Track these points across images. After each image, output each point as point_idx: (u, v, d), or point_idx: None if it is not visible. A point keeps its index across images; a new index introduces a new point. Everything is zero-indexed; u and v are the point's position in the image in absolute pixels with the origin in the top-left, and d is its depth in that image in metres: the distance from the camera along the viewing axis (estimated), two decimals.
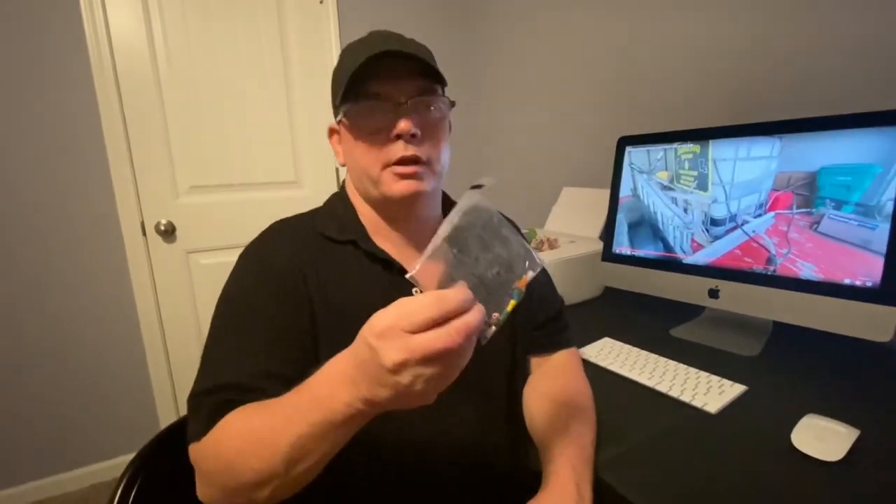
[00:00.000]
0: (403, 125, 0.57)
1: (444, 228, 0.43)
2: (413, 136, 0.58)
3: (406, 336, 0.35)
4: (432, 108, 0.61)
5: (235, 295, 0.59)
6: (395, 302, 0.38)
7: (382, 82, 0.58)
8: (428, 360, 0.35)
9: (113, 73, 1.61)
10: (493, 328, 0.42)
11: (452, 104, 0.64)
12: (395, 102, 0.58)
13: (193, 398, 0.53)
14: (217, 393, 0.51)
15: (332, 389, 0.40)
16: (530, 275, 0.44)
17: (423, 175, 0.61)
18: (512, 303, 0.43)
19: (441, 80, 0.61)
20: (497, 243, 0.44)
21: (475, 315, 0.37)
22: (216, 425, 0.48)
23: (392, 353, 0.35)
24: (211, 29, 1.74)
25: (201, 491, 0.49)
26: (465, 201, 0.45)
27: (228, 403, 0.49)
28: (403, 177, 0.60)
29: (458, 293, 0.37)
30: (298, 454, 0.42)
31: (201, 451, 0.49)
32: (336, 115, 0.64)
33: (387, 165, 0.60)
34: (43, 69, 1.52)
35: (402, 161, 0.59)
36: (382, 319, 0.37)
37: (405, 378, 0.36)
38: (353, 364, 0.39)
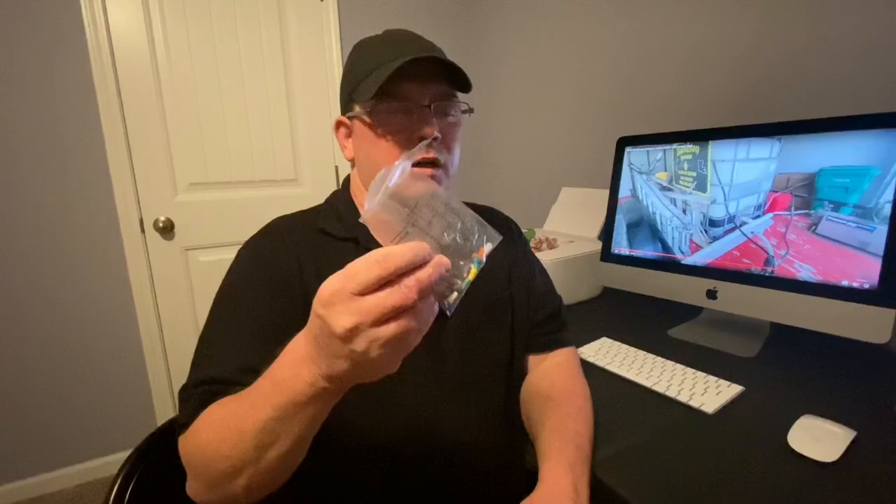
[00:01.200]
0: (428, 130, 0.59)
1: (385, 178, 0.41)
2: (435, 139, 0.59)
3: (354, 299, 0.33)
4: (452, 112, 0.63)
5: (229, 290, 0.60)
6: (339, 272, 0.35)
7: (409, 83, 0.58)
8: (380, 320, 0.33)
9: (112, 69, 1.61)
10: (457, 294, 0.39)
11: (470, 110, 0.65)
12: (419, 104, 0.59)
13: (183, 391, 0.54)
14: (203, 386, 0.52)
15: (293, 369, 0.39)
16: (488, 246, 0.42)
17: (439, 178, 0.62)
18: (473, 271, 0.40)
19: (465, 87, 0.62)
20: (449, 213, 0.42)
21: (428, 270, 0.34)
22: (195, 419, 0.49)
23: (341, 318, 0.33)
24: (211, 26, 1.74)
25: (188, 485, 0.49)
26: (402, 161, 0.44)
27: (213, 396, 0.49)
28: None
29: (407, 248, 0.34)
30: (268, 438, 0.41)
31: (184, 443, 0.49)
32: (347, 110, 0.64)
33: None
34: (42, 66, 1.52)
35: (423, 163, 0.60)
36: (328, 285, 0.34)
37: (359, 345, 0.33)
38: (309, 340, 0.37)
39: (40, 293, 1.62)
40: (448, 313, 0.39)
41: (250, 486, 0.44)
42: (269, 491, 0.46)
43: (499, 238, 0.42)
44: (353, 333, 0.33)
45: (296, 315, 0.57)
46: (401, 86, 0.58)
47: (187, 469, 0.49)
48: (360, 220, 0.40)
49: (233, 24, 1.77)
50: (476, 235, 0.42)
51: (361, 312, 0.32)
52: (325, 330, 0.34)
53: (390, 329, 0.33)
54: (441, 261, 0.35)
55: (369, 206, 0.39)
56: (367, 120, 0.61)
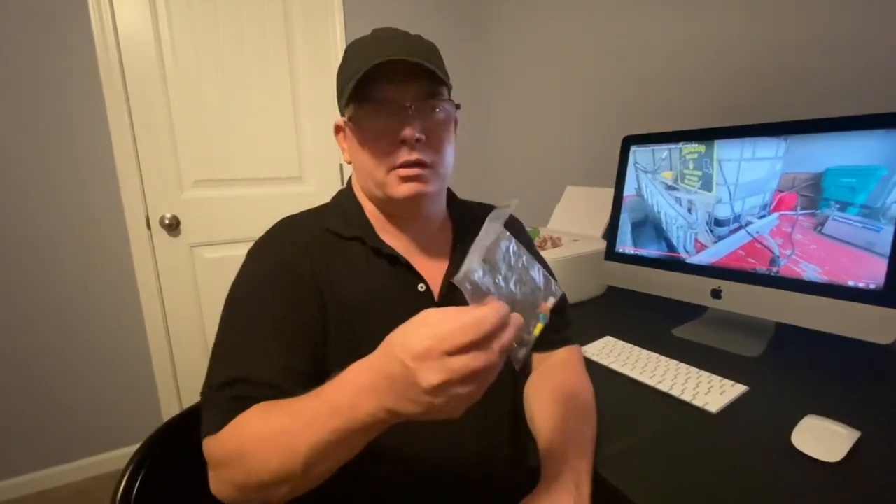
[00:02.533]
0: (408, 132, 0.58)
1: (482, 240, 0.43)
2: (418, 140, 0.59)
3: (445, 358, 0.35)
4: (437, 110, 0.62)
5: (248, 289, 0.60)
6: (424, 317, 0.38)
7: (387, 85, 0.58)
8: (466, 381, 0.35)
9: (119, 66, 1.62)
10: (525, 350, 0.42)
11: (457, 107, 0.65)
12: (399, 106, 0.58)
13: (208, 391, 0.54)
14: (232, 386, 0.52)
15: (355, 399, 0.40)
16: (552, 301, 0.44)
17: (427, 177, 0.61)
18: (539, 326, 0.43)
19: (447, 83, 0.61)
20: (521, 268, 0.44)
21: (510, 332, 0.37)
22: (233, 421, 0.49)
23: (431, 375, 0.35)
24: (217, 24, 1.74)
25: (215, 485, 0.49)
26: (495, 223, 0.44)
27: (245, 399, 0.50)
28: (407, 179, 0.60)
29: (495, 312, 0.36)
30: (317, 458, 0.42)
31: (217, 446, 0.49)
32: (342, 113, 0.64)
33: (391, 169, 0.60)
34: (50, 63, 1.53)
35: (406, 164, 0.60)
36: (419, 340, 0.36)
37: (441, 399, 0.36)
38: (380, 377, 0.39)
39: (47, 290, 1.63)
40: (517, 367, 0.42)
41: (290, 494, 0.45)
42: (305, 492, 0.47)
43: (560, 293, 0.45)
44: (438, 390, 0.35)
45: (312, 314, 0.58)
46: (380, 88, 0.58)
47: (216, 470, 0.49)
48: (453, 281, 0.42)
49: (239, 22, 1.77)
50: (542, 290, 0.45)
51: (451, 371, 0.35)
52: (410, 380, 0.36)
53: (471, 388, 0.36)
54: (518, 321, 0.38)
55: (464, 269, 0.41)
56: (352, 125, 0.62)
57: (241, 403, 0.49)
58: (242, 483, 0.46)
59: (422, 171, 0.60)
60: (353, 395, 0.40)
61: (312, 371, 0.56)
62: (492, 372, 0.37)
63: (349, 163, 0.68)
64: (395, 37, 0.61)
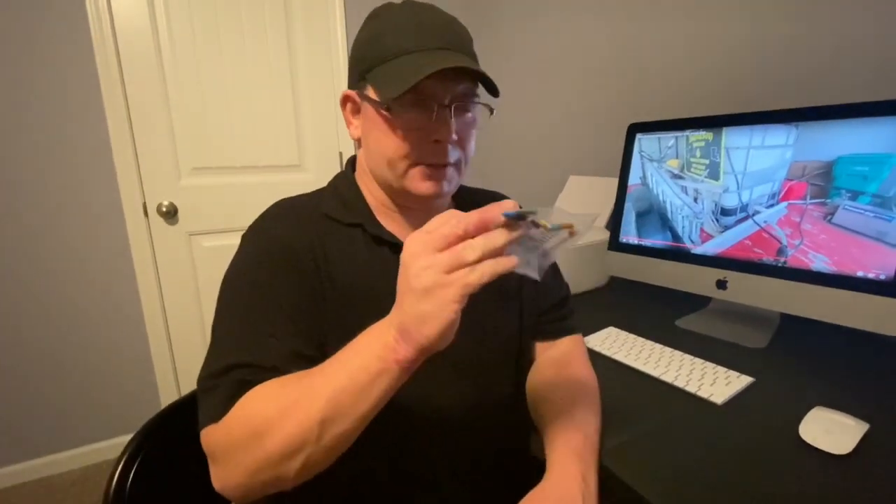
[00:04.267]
0: (445, 132, 0.56)
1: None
2: (451, 141, 0.57)
3: (435, 253, 0.39)
4: (471, 112, 0.60)
5: (246, 272, 0.57)
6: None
7: (432, 80, 0.53)
8: (453, 263, 0.38)
9: (115, 53, 1.59)
10: (540, 258, 0.42)
11: (491, 111, 0.62)
12: (440, 103, 0.56)
13: (207, 379, 0.51)
14: (234, 371, 0.49)
15: (367, 336, 0.43)
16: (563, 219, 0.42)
17: (450, 176, 0.60)
18: (545, 226, 0.41)
19: (493, 92, 0.58)
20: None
21: (501, 234, 0.39)
22: (237, 403, 0.47)
23: (414, 245, 0.40)
24: (215, 10, 1.71)
25: (219, 476, 0.47)
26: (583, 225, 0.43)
27: (247, 383, 0.48)
28: (431, 176, 0.59)
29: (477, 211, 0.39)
30: (334, 412, 0.42)
31: (222, 433, 0.47)
32: (357, 86, 0.60)
33: (417, 163, 0.58)
34: (45, 50, 1.50)
35: (435, 164, 0.58)
36: (413, 243, 0.40)
37: (426, 278, 0.38)
38: (395, 310, 0.42)
39: (44, 278, 1.62)
40: (538, 277, 0.42)
41: (305, 467, 0.44)
42: (318, 471, 0.45)
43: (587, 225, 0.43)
44: (424, 271, 0.38)
45: (312, 297, 0.57)
46: (425, 81, 0.53)
47: (219, 459, 0.47)
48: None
49: (236, 7, 1.74)
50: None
51: (436, 246, 0.39)
52: (406, 277, 0.40)
53: (450, 258, 0.38)
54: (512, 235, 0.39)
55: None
56: (382, 111, 0.57)
57: (246, 388, 0.47)
58: (250, 463, 0.44)
59: (447, 171, 0.59)
60: (366, 334, 0.43)
61: (319, 357, 0.54)
62: (476, 273, 0.38)
63: (357, 139, 0.64)
64: (442, 22, 0.57)
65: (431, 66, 0.51)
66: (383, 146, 0.59)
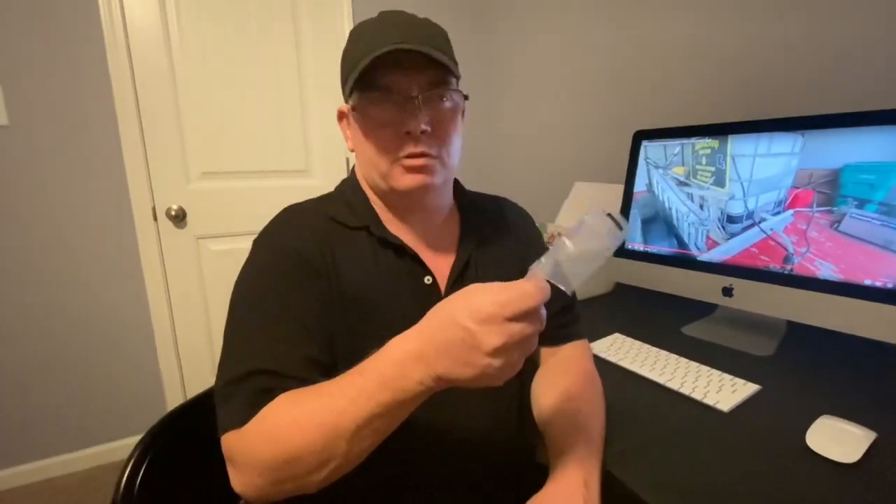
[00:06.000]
0: (413, 124, 0.56)
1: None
2: (423, 132, 0.57)
3: (506, 323, 0.38)
4: (444, 100, 0.60)
5: (259, 279, 0.57)
6: (478, 288, 0.40)
7: (394, 73, 0.55)
8: (520, 345, 0.39)
9: (128, 58, 1.62)
10: None
11: (465, 97, 0.63)
12: (406, 96, 0.56)
13: (226, 386, 0.51)
14: (255, 377, 0.50)
15: (402, 370, 0.41)
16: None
17: (432, 168, 0.60)
18: None
19: (455, 73, 0.59)
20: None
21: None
22: (261, 412, 0.47)
23: (494, 338, 0.37)
24: (225, 16, 1.74)
25: (241, 481, 0.47)
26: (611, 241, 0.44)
27: (268, 391, 0.48)
28: (412, 170, 0.59)
29: (544, 286, 0.40)
30: (364, 433, 0.42)
31: (244, 440, 0.47)
32: (346, 100, 0.62)
33: (396, 160, 0.59)
34: (58, 53, 1.53)
35: (411, 156, 0.58)
36: (485, 305, 0.38)
37: (498, 361, 0.38)
38: (430, 344, 0.40)
39: (53, 279, 1.64)
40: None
41: (329, 477, 0.44)
42: (339, 477, 0.46)
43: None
44: (498, 352, 0.38)
45: (326, 303, 0.57)
46: (387, 76, 0.56)
47: (241, 464, 0.47)
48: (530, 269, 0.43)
49: (245, 14, 1.77)
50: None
51: (511, 335, 0.38)
52: (470, 342, 0.38)
53: (523, 351, 0.40)
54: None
55: (539, 271, 0.42)
56: (356, 114, 0.60)
57: (267, 395, 0.48)
58: (277, 474, 0.44)
59: (427, 163, 0.59)
60: (401, 365, 0.41)
61: (332, 363, 0.55)
62: (535, 342, 0.40)
63: (352, 150, 0.66)
64: (403, 22, 0.59)
65: (375, 54, 0.53)
66: (364, 148, 0.61)
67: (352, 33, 0.62)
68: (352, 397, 0.42)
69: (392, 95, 0.57)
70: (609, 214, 0.44)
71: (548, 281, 0.41)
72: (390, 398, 0.41)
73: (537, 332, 0.40)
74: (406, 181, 0.59)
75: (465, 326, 0.38)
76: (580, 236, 0.43)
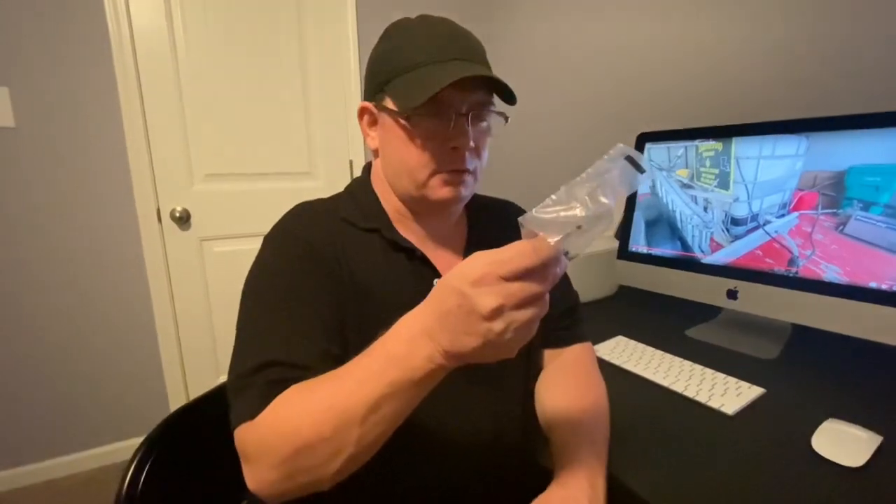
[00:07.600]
0: (464, 141, 0.57)
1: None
2: (469, 149, 0.58)
3: (502, 282, 0.35)
4: (486, 120, 0.61)
5: (272, 272, 0.57)
6: (479, 253, 0.37)
7: (450, 89, 0.54)
8: (520, 305, 0.35)
9: (133, 60, 1.63)
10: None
11: (506, 119, 0.64)
12: (458, 112, 0.57)
13: (239, 378, 0.50)
14: (267, 369, 0.49)
15: (409, 346, 0.39)
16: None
17: (468, 183, 0.61)
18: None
19: (511, 100, 0.59)
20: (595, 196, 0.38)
21: (563, 266, 0.37)
22: (272, 403, 0.46)
23: (488, 298, 0.35)
24: (230, 19, 1.75)
25: (254, 478, 0.46)
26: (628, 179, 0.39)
27: (281, 382, 0.47)
28: (450, 182, 0.60)
29: (551, 245, 0.36)
30: (375, 418, 0.41)
31: (256, 432, 0.46)
32: (375, 97, 0.61)
33: (437, 172, 0.59)
34: (64, 57, 1.54)
35: (455, 170, 0.59)
36: (476, 267, 0.36)
37: (498, 325, 0.35)
38: (433, 317, 0.38)
39: (57, 280, 1.64)
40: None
41: (343, 468, 0.43)
42: (355, 468, 0.45)
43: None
44: (495, 314, 0.35)
45: (339, 298, 0.57)
46: (444, 91, 0.54)
47: (253, 460, 0.46)
48: (527, 217, 0.38)
49: (251, 17, 1.78)
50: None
51: (508, 295, 0.35)
52: (466, 307, 0.36)
53: (527, 314, 0.36)
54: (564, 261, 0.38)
55: (540, 216, 0.37)
56: (401, 121, 0.58)
57: (280, 387, 0.47)
58: (290, 466, 0.43)
59: (465, 178, 0.60)
60: (407, 341, 0.40)
61: (344, 354, 0.54)
62: (545, 304, 0.37)
63: (375, 149, 0.66)
64: (457, 34, 0.59)
65: (451, 76, 0.53)
66: (403, 155, 0.60)
67: (394, 33, 0.61)
68: (359, 378, 0.42)
69: (445, 110, 0.57)
70: (628, 158, 0.40)
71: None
72: (399, 377, 0.40)
73: (543, 294, 0.36)
74: (443, 193, 0.60)
75: (459, 291, 0.36)
76: (595, 200, 0.37)
